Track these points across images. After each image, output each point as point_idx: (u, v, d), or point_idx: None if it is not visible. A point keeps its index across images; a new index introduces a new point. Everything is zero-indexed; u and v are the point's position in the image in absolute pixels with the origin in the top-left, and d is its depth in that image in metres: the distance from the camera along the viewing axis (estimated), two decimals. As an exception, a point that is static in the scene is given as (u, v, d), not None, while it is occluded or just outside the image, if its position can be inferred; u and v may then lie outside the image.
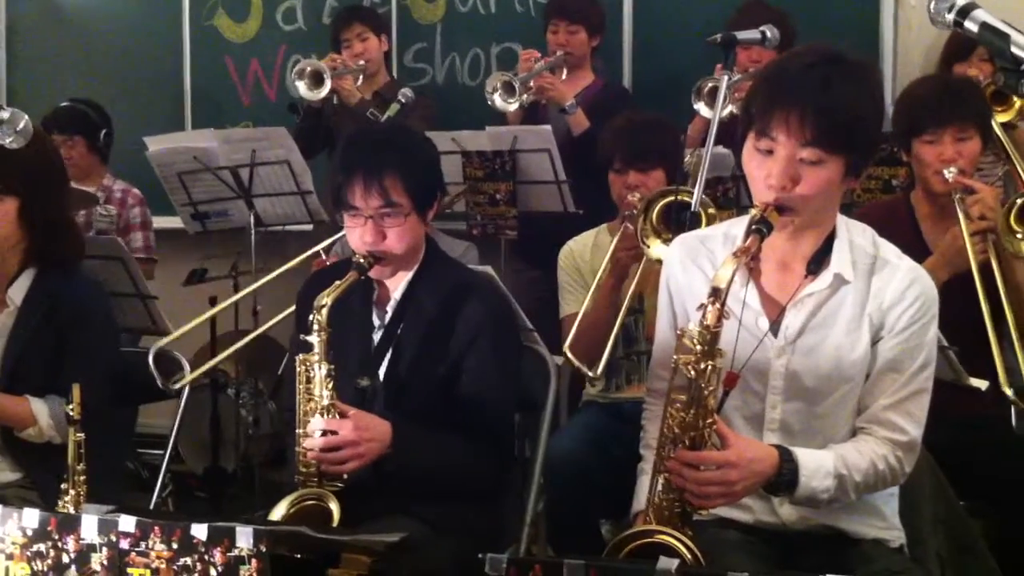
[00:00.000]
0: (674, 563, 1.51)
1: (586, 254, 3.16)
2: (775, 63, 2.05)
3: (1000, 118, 3.11)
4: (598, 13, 4.23)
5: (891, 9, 4.25)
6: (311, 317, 2.22)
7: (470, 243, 3.75)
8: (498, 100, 4.01)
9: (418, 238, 2.37)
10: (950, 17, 1.49)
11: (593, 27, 4.18)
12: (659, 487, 1.96)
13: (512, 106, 4.00)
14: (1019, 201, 2.72)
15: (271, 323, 3.17)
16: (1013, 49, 1.42)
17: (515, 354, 2.48)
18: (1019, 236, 2.72)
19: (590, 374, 2.59)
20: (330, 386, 2.20)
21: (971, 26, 1.48)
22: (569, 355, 2.60)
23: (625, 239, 2.91)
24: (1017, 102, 3.27)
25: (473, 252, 3.62)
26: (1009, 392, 2.56)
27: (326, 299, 2.22)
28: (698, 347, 1.87)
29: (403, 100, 3.77)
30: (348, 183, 2.28)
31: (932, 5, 1.52)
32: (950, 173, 2.78)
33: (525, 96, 3.99)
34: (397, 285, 2.40)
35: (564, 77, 4.10)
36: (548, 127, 3.77)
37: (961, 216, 2.75)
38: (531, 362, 2.62)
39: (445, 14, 4.84)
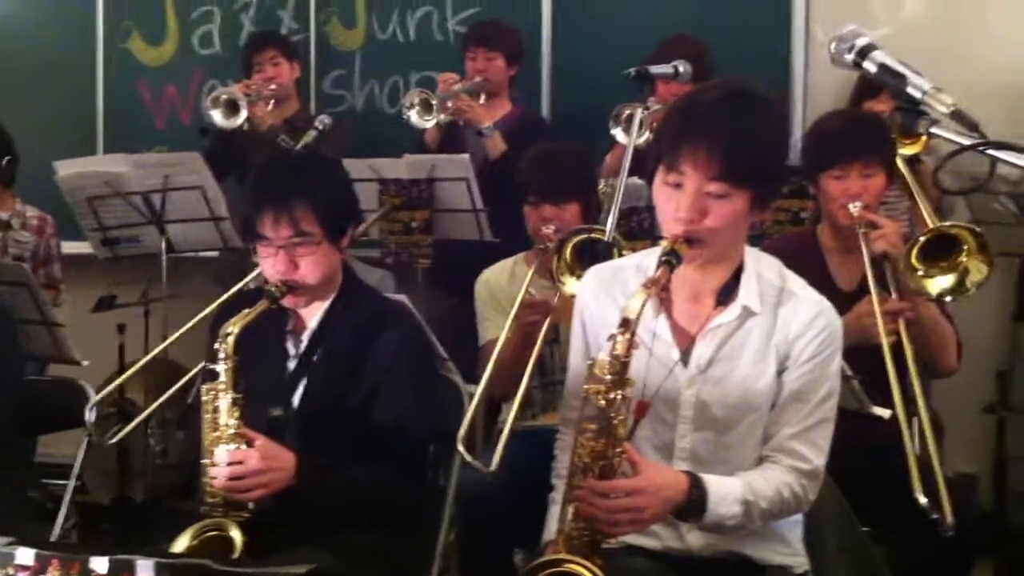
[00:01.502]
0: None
1: (503, 283, 3.16)
2: (684, 98, 2.08)
3: (907, 151, 3.20)
4: (517, 42, 4.27)
5: (802, 46, 4.36)
6: (216, 345, 2.19)
7: (387, 271, 3.73)
8: (415, 117, 4.02)
9: (332, 266, 2.36)
10: (850, 58, 1.54)
11: (511, 55, 4.22)
12: (569, 516, 1.97)
13: (428, 123, 4.00)
14: (921, 239, 2.79)
15: (160, 348, 3.12)
16: (909, 89, 1.47)
17: (430, 383, 2.47)
18: (920, 273, 2.79)
19: (484, 469, 2.58)
20: (236, 415, 2.17)
21: (870, 66, 1.52)
22: (460, 448, 2.58)
23: (528, 308, 2.91)
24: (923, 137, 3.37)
25: (389, 280, 3.61)
26: (922, 499, 2.55)
27: (232, 327, 2.20)
28: (608, 377, 1.89)
29: (320, 127, 3.76)
30: (258, 213, 2.27)
31: (833, 46, 1.56)
32: (855, 207, 2.84)
33: (442, 116, 3.99)
34: (313, 314, 2.38)
35: (482, 102, 4.12)
36: (467, 156, 3.79)
37: (865, 250, 2.81)
38: (446, 391, 2.61)
39: (364, 41, 4.84)
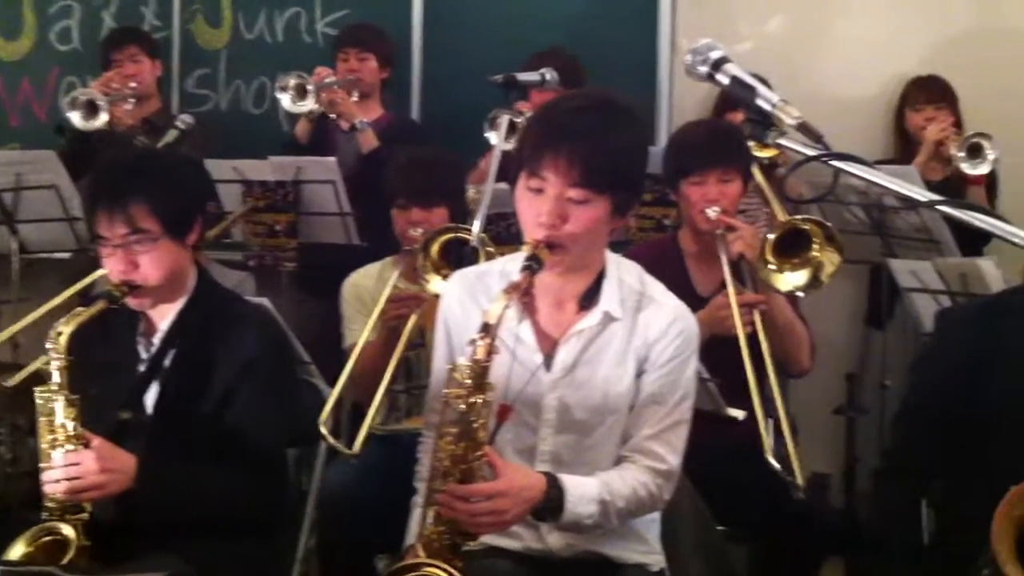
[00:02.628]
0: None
1: (370, 286, 3.14)
2: (547, 105, 2.12)
3: (763, 153, 3.30)
4: (388, 46, 4.25)
5: (667, 58, 4.45)
6: (48, 344, 2.13)
7: (246, 273, 3.66)
8: (287, 101, 3.97)
9: (176, 265, 2.31)
10: (704, 70, 1.57)
11: (384, 58, 4.20)
12: (429, 520, 1.97)
13: (302, 108, 3.95)
14: (774, 235, 2.87)
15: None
16: (759, 101, 1.51)
17: (289, 386, 2.44)
18: (772, 267, 2.87)
19: (346, 451, 2.55)
20: (73, 416, 2.12)
21: (722, 79, 1.56)
22: (323, 430, 2.56)
23: (393, 302, 2.91)
24: None
25: (249, 282, 3.53)
26: (774, 463, 2.66)
27: (63, 327, 2.14)
28: (468, 381, 1.90)
29: (182, 126, 3.66)
30: (94, 212, 2.22)
31: (688, 58, 1.60)
32: (714, 212, 2.93)
33: (315, 106, 3.94)
34: (164, 316, 2.33)
35: (355, 101, 4.09)
36: (333, 159, 3.74)
37: (722, 253, 2.89)
38: (308, 395, 2.58)
39: (230, 40, 4.75)
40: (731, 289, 2.84)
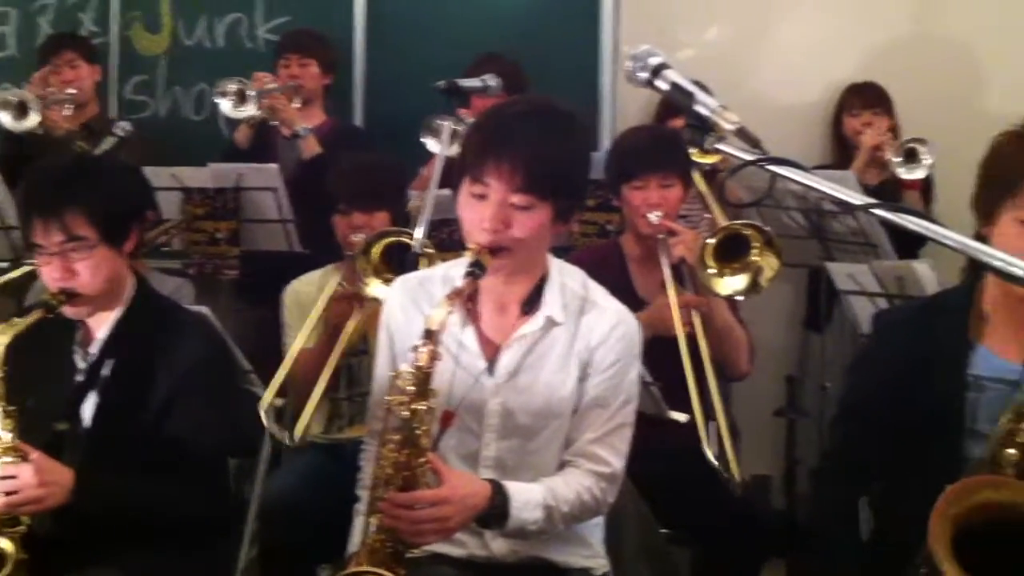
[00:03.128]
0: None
1: (312, 293, 3.12)
2: (489, 112, 2.12)
3: (704, 159, 3.32)
4: (330, 51, 4.23)
5: (610, 64, 4.48)
6: None
7: (184, 280, 3.62)
8: (228, 107, 3.93)
9: (114, 272, 2.28)
10: (643, 76, 1.58)
11: (326, 64, 4.18)
12: (372, 528, 1.95)
13: (242, 114, 3.91)
14: (714, 240, 2.90)
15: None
16: (697, 107, 1.52)
17: (229, 395, 2.42)
18: (712, 272, 2.90)
19: (286, 441, 2.54)
20: (10, 428, 2.08)
21: (662, 85, 1.57)
22: (262, 414, 2.54)
23: (336, 301, 2.90)
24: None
25: (187, 289, 3.49)
26: (712, 458, 2.70)
27: None
28: (411, 388, 1.90)
29: (120, 133, 3.61)
30: (29, 220, 2.20)
31: (629, 64, 1.61)
32: (655, 217, 2.95)
33: (256, 112, 3.91)
34: (102, 325, 2.30)
35: (296, 106, 4.06)
36: (275, 166, 3.72)
37: (663, 257, 2.92)
38: (248, 404, 2.55)
39: (169, 46, 4.68)
40: (671, 290, 2.87)
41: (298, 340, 2.85)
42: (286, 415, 3.10)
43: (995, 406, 1.96)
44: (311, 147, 3.95)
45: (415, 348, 1.89)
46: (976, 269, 2.06)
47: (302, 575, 2.67)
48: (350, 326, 2.86)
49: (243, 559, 2.46)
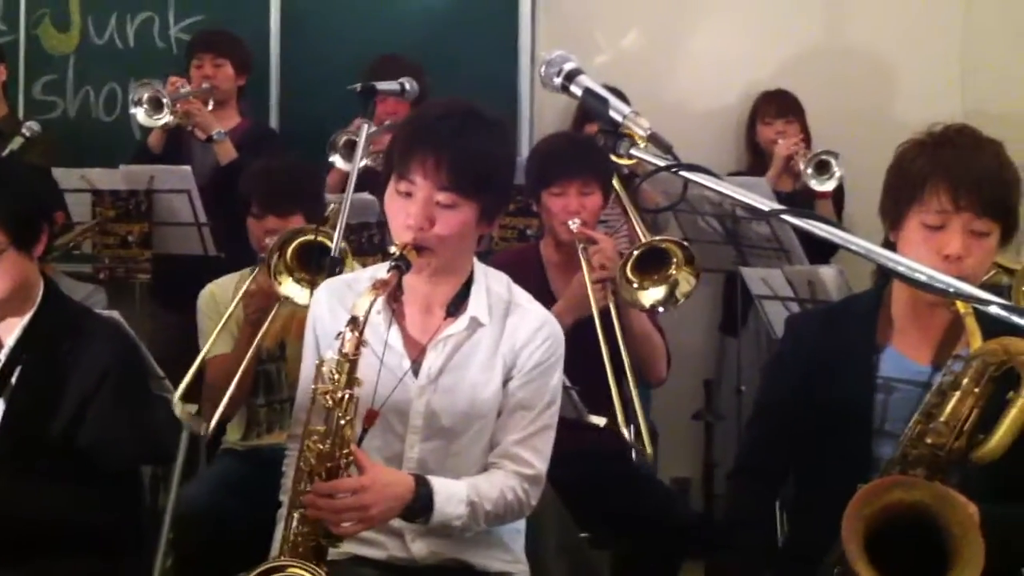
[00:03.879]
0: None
1: (228, 297, 3.07)
2: (416, 112, 2.17)
3: (622, 162, 3.35)
4: (244, 52, 4.17)
5: (528, 70, 4.50)
6: None
7: (96, 286, 3.54)
8: (142, 115, 3.85)
9: (23, 277, 2.23)
10: (558, 81, 1.59)
11: (239, 64, 4.13)
12: (294, 523, 1.94)
13: (158, 122, 3.84)
14: (635, 253, 2.94)
15: None
16: (611, 113, 1.53)
17: (142, 402, 2.38)
18: (635, 286, 2.94)
19: (200, 432, 2.51)
20: None
21: (576, 90, 1.58)
22: (175, 402, 2.50)
23: (252, 296, 2.87)
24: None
25: (100, 295, 3.42)
26: (626, 433, 2.74)
27: None
28: (336, 376, 1.90)
29: (27, 133, 3.52)
30: None
31: (543, 69, 1.61)
32: (574, 224, 2.97)
33: (171, 118, 3.85)
34: (11, 331, 2.24)
35: (210, 109, 4.00)
36: (188, 168, 3.66)
37: (584, 264, 2.94)
38: (162, 410, 2.51)
39: (79, 45, 4.58)
40: (585, 269, 2.90)
41: (211, 343, 2.81)
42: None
43: (905, 407, 2.00)
44: (227, 152, 3.89)
45: (340, 335, 1.90)
46: (885, 274, 2.11)
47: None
48: (266, 326, 2.83)
49: (158, 569, 2.41)
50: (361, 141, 2.97)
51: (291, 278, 2.74)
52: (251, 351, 2.77)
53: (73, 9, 4.58)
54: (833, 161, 4.03)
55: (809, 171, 4.05)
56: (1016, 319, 1.25)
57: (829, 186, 4.04)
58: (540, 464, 2.09)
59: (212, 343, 2.96)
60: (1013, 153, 2.08)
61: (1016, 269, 2.47)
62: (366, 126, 2.97)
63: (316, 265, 2.68)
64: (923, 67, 4.61)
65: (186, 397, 2.67)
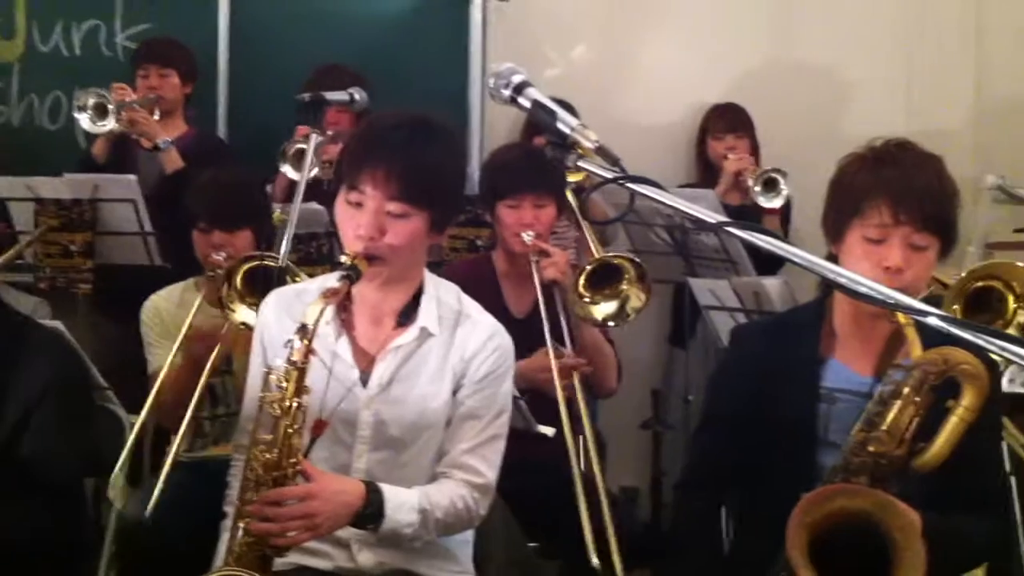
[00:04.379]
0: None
1: (172, 309, 3.04)
2: (367, 122, 2.17)
3: (572, 177, 3.37)
4: (190, 60, 4.13)
5: (478, 81, 4.50)
6: None
7: (41, 300, 3.49)
8: (86, 120, 3.80)
9: None
10: (506, 93, 1.59)
11: (185, 73, 4.09)
12: (240, 533, 1.92)
13: (103, 128, 3.80)
14: (588, 268, 2.95)
15: None
16: (559, 125, 1.54)
17: (85, 414, 2.35)
18: (587, 300, 2.95)
19: (138, 516, 2.47)
20: None
21: (524, 102, 1.58)
22: (111, 495, 2.48)
23: (193, 341, 2.83)
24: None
25: (44, 309, 3.37)
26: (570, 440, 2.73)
27: None
28: (284, 384, 1.89)
29: (-30, 142, 3.46)
30: None
31: (491, 81, 1.62)
32: (528, 236, 2.97)
33: (116, 126, 3.80)
34: (-48, 340, 2.20)
35: (156, 118, 3.96)
36: (133, 177, 3.61)
37: (536, 276, 2.94)
38: (105, 422, 2.47)
39: (24, 53, 4.49)
40: (551, 351, 2.86)
41: (167, 362, 2.78)
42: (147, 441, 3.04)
43: (847, 417, 2.03)
44: (173, 161, 3.85)
45: (289, 343, 1.89)
46: (828, 286, 2.14)
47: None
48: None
49: (100, 581, 2.38)
50: (310, 151, 2.96)
51: (243, 304, 2.71)
52: (200, 383, 2.73)
53: (18, 16, 4.50)
54: (781, 179, 4.08)
55: (757, 188, 4.09)
56: (955, 330, 1.27)
57: (776, 203, 4.09)
58: (490, 473, 2.10)
59: (157, 354, 2.93)
60: (954, 168, 2.13)
61: (951, 284, 2.51)
62: (314, 136, 2.96)
63: (264, 288, 2.66)
64: (870, 84, 4.69)
65: (134, 407, 2.65)
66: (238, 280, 2.72)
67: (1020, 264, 2.53)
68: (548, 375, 2.83)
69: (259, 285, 2.69)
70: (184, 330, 2.81)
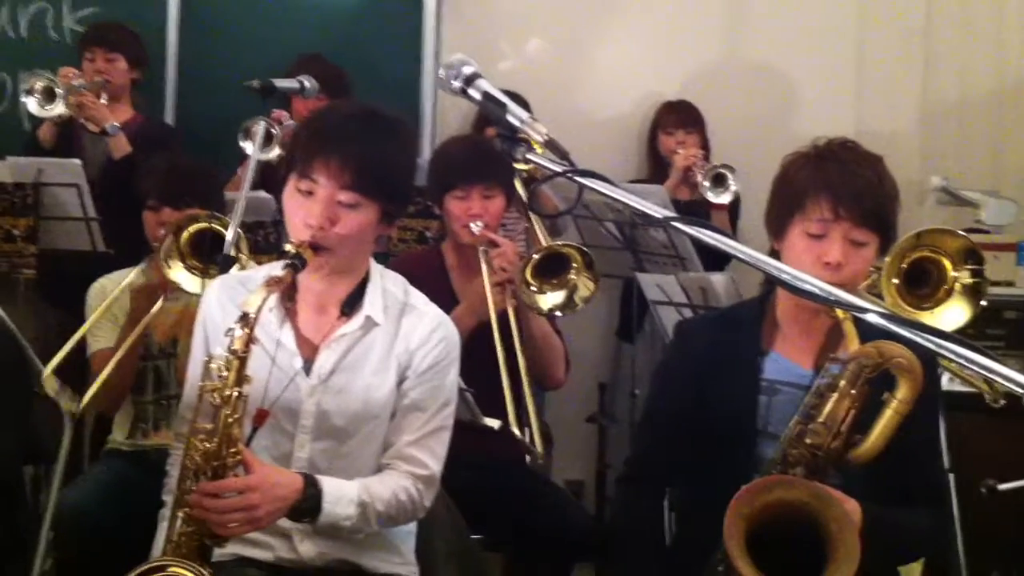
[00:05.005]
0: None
1: (119, 294, 3.01)
2: (318, 112, 2.16)
3: (521, 166, 3.38)
4: (138, 45, 4.08)
5: (431, 73, 4.49)
6: None
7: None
8: (33, 104, 3.75)
9: None
10: (457, 84, 1.59)
11: (133, 58, 4.03)
12: (178, 523, 1.91)
13: (50, 112, 3.74)
14: (536, 257, 2.96)
15: None
16: (509, 117, 1.54)
17: (22, 400, 2.31)
18: (534, 289, 2.96)
19: (71, 406, 2.46)
20: None
21: (474, 94, 1.58)
22: (45, 383, 2.45)
23: (138, 292, 2.84)
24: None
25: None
26: (517, 432, 2.76)
27: None
28: (224, 373, 1.87)
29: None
30: None
31: (442, 72, 1.61)
32: (476, 227, 2.97)
33: (63, 110, 3.74)
34: None
35: (104, 103, 3.90)
36: (78, 161, 3.56)
37: (484, 267, 2.94)
38: (45, 409, 2.44)
39: (-31, 35, 4.43)
40: (485, 272, 2.90)
41: (104, 341, 2.75)
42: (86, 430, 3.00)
43: (787, 409, 2.06)
44: (121, 147, 3.81)
45: (230, 331, 1.88)
46: (770, 281, 2.17)
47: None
48: (156, 316, 2.81)
49: (36, 570, 2.34)
50: (258, 140, 2.94)
51: (182, 264, 2.70)
52: (129, 342, 2.74)
53: (-36, -2, 4.43)
54: (730, 176, 4.12)
55: (706, 183, 4.13)
56: (891, 325, 1.29)
57: (724, 199, 4.13)
58: (434, 465, 2.10)
59: (97, 336, 2.91)
60: (900, 170, 2.17)
61: (883, 265, 2.54)
62: (263, 126, 2.95)
63: (209, 256, 2.64)
64: (820, 85, 4.74)
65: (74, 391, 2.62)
66: (184, 239, 2.71)
67: (943, 228, 2.57)
68: (484, 294, 2.87)
69: (204, 251, 2.67)
70: (115, 293, 2.81)
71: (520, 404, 2.84)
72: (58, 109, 3.76)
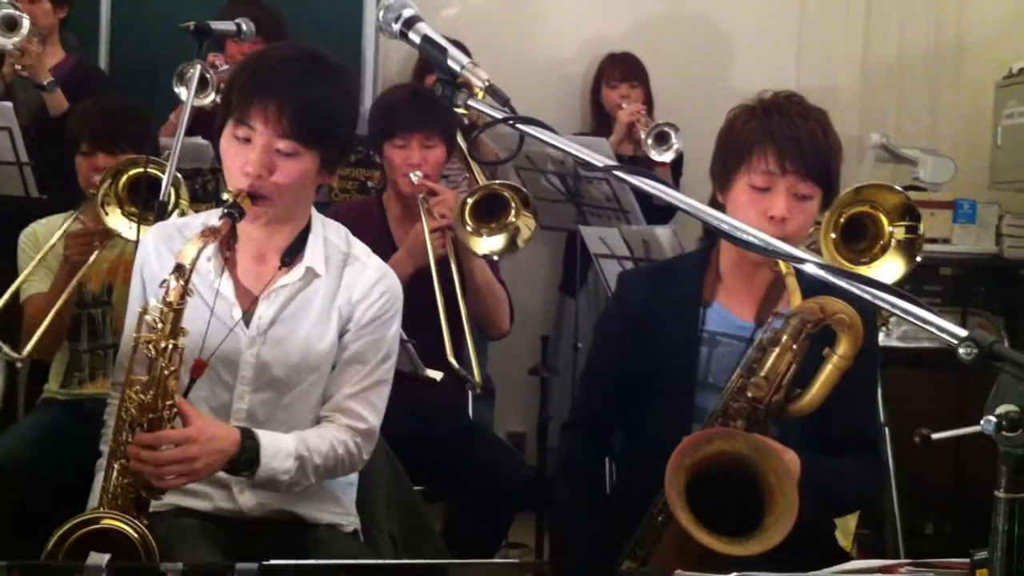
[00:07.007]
0: (104, 558, 1.44)
1: (51, 238, 2.94)
2: (255, 55, 2.09)
3: (462, 111, 3.34)
4: None
5: (373, 18, 4.41)
6: None
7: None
8: None
9: None
10: (396, 27, 1.56)
11: None
12: (115, 475, 1.88)
13: None
14: (471, 200, 2.94)
15: None
16: (449, 62, 1.51)
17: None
18: (470, 229, 2.94)
19: (13, 354, 2.43)
20: None
21: (414, 38, 1.55)
22: None
23: (74, 237, 2.78)
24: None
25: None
26: (455, 363, 2.78)
27: None
28: (160, 325, 1.85)
29: None
30: None
31: (381, 15, 1.58)
32: (416, 177, 2.95)
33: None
34: None
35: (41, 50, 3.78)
36: (9, 104, 3.44)
37: (424, 216, 2.93)
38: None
39: None
40: (424, 218, 2.90)
41: (27, 278, 2.75)
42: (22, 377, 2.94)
43: (727, 360, 2.08)
44: (58, 103, 3.69)
45: (164, 283, 1.84)
46: (710, 234, 2.17)
47: (35, 538, 2.53)
48: (90, 265, 2.75)
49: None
50: (193, 84, 2.87)
51: (120, 210, 2.65)
52: (69, 291, 2.69)
53: None
54: (673, 134, 4.12)
55: (649, 141, 4.13)
56: (830, 278, 1.30)
57: (667, 157, 4.13)
58: (373, 419, 2.08)
59: (31, 281, 2.85)
60: (840, 126, 2.18)
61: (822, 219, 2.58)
62: (198, 70, 2.88)
63: (146, 201, 2.59)
64: (763, 41, 4.75)
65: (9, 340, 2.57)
66: (122, 184, 2.67)
67: (882, 183, 2.61)
68: (423, 239, 2.87)
69: (141, 197, 2.62)
70: (52, 241, 2.76)
71: (462, 350, 2.84)
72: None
